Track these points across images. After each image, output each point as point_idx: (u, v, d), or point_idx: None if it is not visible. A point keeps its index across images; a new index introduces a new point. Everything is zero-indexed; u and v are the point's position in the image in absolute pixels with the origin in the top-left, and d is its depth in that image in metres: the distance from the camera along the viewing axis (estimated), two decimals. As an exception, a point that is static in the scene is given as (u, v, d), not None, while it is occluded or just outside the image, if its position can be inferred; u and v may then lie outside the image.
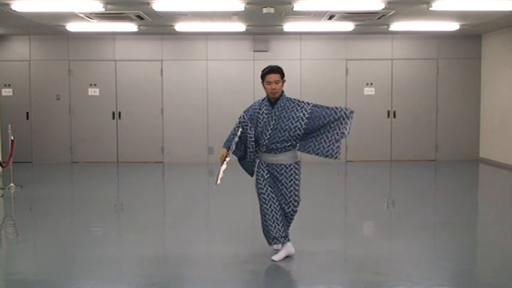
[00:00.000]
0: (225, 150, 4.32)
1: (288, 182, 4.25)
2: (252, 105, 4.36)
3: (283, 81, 4.23)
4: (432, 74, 10.45)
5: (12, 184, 7.62)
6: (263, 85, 4.25)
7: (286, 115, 4.15)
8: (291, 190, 4.27)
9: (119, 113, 10.40)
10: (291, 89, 10.18)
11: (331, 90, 10.35)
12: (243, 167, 4.52)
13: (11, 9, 7.22)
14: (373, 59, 10.39)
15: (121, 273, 4.09)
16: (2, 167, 7.98)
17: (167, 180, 9.20)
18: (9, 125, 7.98)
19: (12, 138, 7.78)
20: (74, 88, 10.37)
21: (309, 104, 4.19)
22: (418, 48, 10.43)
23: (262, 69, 4.27)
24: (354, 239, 5.18)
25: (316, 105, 4.18)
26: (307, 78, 10.36)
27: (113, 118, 10.41)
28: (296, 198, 4.32)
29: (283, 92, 4.25)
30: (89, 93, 10.38)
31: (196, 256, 4.52)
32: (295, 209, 4.35)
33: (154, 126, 10.43)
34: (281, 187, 4.27)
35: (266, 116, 4.20)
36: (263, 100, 4.30)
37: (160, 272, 4.11)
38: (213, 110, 10.30)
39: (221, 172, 4.30)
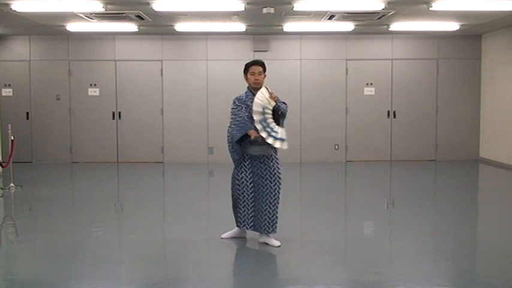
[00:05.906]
0: (253, 131, 4.44)
1: (271, 171, 4.53)
2: (239, 96, 4.70)
3: (265, 75, 4.64)
4: (432, 74, 10.45)
5: (12, 184, 7.62)
6: (246, 77, 4.69)
7: None
8: (275, 179, 4.53)
9: (119, 113, 10.40)
10: (291, 89, 10.33)
11: (331, 90, 10.36)
12: (235, 151, 4.59)
13: (11, 9, 7.22)
14: (373, 59, 10.38)
15: (121, 273, 4.09)
16: (2, 167, 7.98)
17: (167, 180, 9.20)
18: (9, 125, 7.99)
19: (12, 138, 7.78)
20: (74, 88, 10.37)
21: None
22: (418, 48, 10.43)
23: (246, 62, 4.68)
24: (353, 239, 5.17)
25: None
26: (307, 78, 10.35)
27: (113, 118, 10.41)
28: (276, 187, 4.55)
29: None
30: (89, 93, 10.38)
31: (196, 256, 4.52)
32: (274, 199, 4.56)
33: (154, 126, 10.43)
34: (265, 176, 4.53)
35: (251, 105, 4.50)
36: (246, 92, 4.67)
37: (161, 272, 4.11)
38: (213, 110, 10.28)
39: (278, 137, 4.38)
